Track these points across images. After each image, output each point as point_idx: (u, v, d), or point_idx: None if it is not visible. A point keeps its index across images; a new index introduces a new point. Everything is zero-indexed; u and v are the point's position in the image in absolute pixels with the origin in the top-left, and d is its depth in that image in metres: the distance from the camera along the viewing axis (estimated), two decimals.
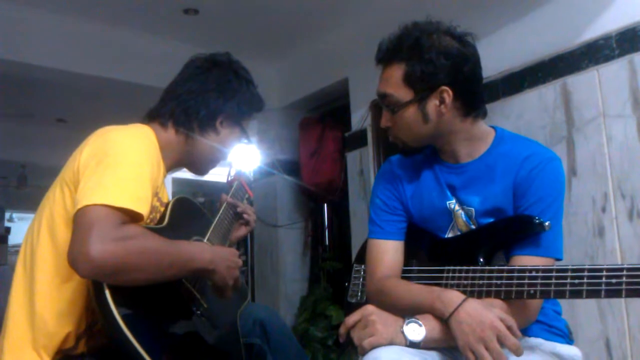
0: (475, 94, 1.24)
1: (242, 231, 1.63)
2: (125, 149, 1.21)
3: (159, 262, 1.13)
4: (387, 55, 1.24)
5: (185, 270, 1.21)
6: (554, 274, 1.02)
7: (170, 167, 1.42)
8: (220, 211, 1.51)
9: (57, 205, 1.22)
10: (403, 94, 1.21)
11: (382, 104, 1.26)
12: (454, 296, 1.08)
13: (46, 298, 1.18)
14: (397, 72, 1.21)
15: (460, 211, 1.26)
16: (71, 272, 1.16)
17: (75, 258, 1.04)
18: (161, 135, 1.37)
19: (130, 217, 1.12)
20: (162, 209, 1.35)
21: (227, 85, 1.44)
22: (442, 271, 1.19)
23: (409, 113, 1.22)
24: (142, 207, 1.15)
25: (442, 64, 1.17)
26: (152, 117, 1.42)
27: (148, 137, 1.31)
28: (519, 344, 1.00)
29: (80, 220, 1.07)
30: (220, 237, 1.47)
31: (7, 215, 8.07)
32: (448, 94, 1.19)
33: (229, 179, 1.68)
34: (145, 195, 1.18)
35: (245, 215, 1.61)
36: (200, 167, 1.50)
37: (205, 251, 1.25)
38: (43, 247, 1.21)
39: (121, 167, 1.16)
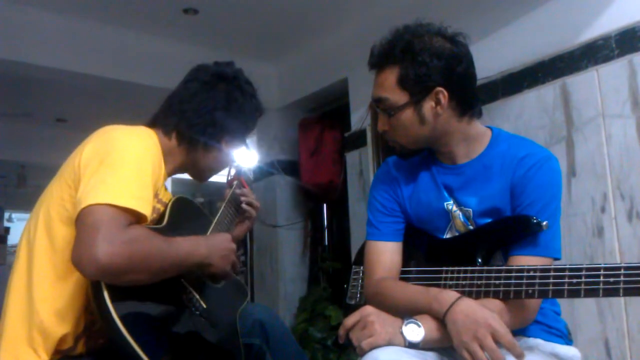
0: (470, 93, 1.24)
1: (244, 226, 1.65)
2: (128, 148, 1.21)
3: (161, 263, 1.14)
4: (380, 60, 1.24)
5: (184, 267, 1.22)
6: (552, 273, 1.02)
7: (171, 172, 1.42)
8: (221, 210, 1.52)
9: (55, 202, 1.22)
10: (398, 97, 1.21)
11: (378, 108, 1.26)
12: (449, 295, 1.08)
13: (43, 296, 1.18)
14: (391, 76, 1.21)
15: (458, 212, 1.26)
16: (68, 270, 1.16)
17: (81, 259, 1.04)
18: (164, 141, 1.37)
19: (135, 217, 1.13)
20: (162, 209, 1.35)
21: (234, 104, 1.44)
22: (440, 272, 1.19)
23: (406, 116, 1.22)
24: (146, 208, 1.15)
25: (435, 65, 1.17)
26: (155, 124, 1.42)
27: (151, 138, 1.32)
28: (515, 342, 1.00)
29: (86, 220, 1.07)
30: None
31: (6, 215, 8.07)
32: (443, 94, 1.19)
33: (229, 178, 1.68)
34: (148, 196, 1.18)
35: (248, 208, 1.62)
36: (201, 175, 1.51)
37: (200, 246, 1.25)
38: (40, 244, 1.21)
39: (124, 167, 1.16)
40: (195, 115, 1.40)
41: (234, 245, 1.37)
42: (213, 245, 1.29)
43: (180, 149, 1.41)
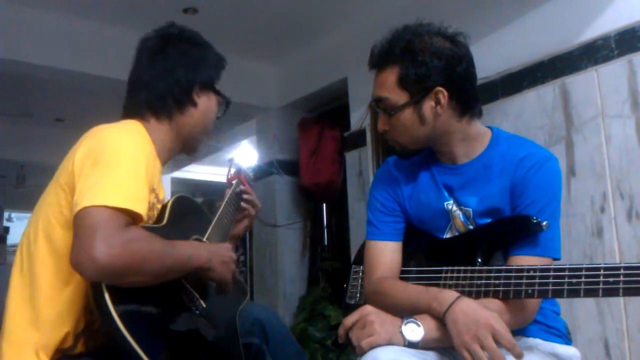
0: (470, 93, 1.24)
1: (242, 225, 1.65)
2: (120, 146, 1.20)
3: (161, 265, 1.13)
4: (380, 60, 1.24)
5: (184, 270, 1.21)
6: (551, 273, 1.02)
7: (166, 158, 1.40)
8: (220, 209, 1.52)
9: (52, 208, 1.21)
10: (398, 97, 1.21)
11: (378, 108, 1.26)
12: (449, 295, 1.08)
13: (47, 301, 1.17)
14: (391, 75, 1.21)
15: (458, 212, 1.26)
16: (71, 273, 1.15)
17: (81, 261, 1.03)
18: (147, 127, 1.35)
19: (132, 217, 1.12)
20: (159, 206, 1.34)
21: (189, 56, 1.42)
22: (440, 272, 1.19)
23: (406, 116, 1.22)
24: (142, 208, 1.15)
25: (435, 65, 1.18)
26: (128, 113, 1.39)
27: (140, 132, 1.30)
28: (515, 342, 1.00)
29: (83, 223, 1.06)
30: (220, 235, 1.47)
31: (5, 214, 8.05)
32: (443, 94, 1.19)
33: (229, 176, 1.68)
34: (143, 194, 1.18)
35: (247, 205, 1.63)
36: (193, 145, 1.47)
37: (201, 250, 1.25)
38: (41, 251, 1.20)
39: (118, 167, 1.16)
40: (156, 81, 1.38)
41: (234, 255, 1.36)
42: (214, 251, 1.28)
43: (162, 125, 1.38)
